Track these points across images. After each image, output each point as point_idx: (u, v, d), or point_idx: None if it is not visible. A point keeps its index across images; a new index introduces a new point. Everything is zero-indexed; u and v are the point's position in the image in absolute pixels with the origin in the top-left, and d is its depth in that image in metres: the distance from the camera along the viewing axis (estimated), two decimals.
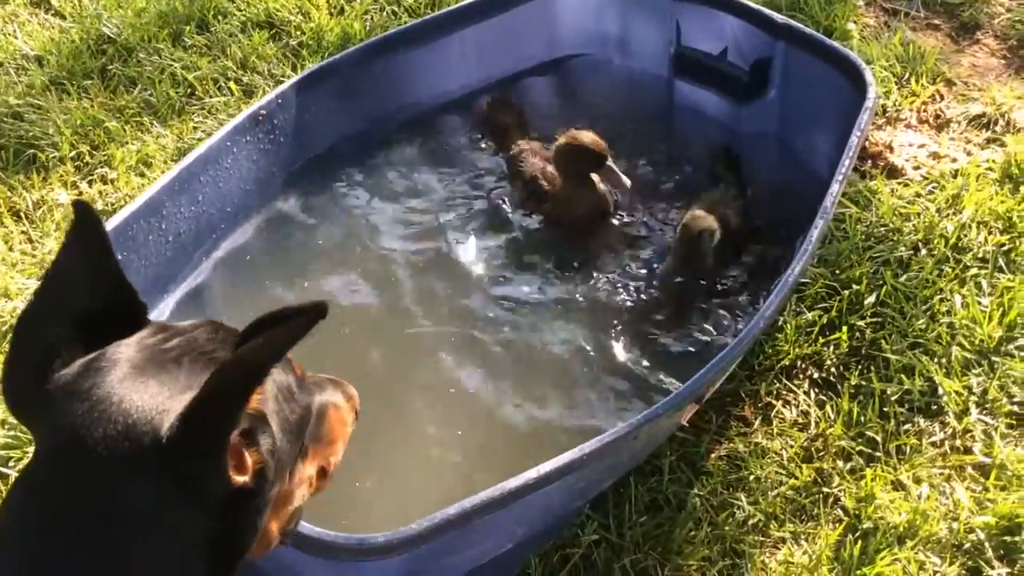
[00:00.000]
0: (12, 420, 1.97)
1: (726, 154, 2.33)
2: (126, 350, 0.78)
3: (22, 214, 2.44)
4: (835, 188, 1.84)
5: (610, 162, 2.18)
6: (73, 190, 2.49)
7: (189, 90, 2.72)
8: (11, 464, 1.92)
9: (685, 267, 2.12)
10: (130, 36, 2.88)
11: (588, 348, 2.00)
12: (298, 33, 2.89)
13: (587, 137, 2.20)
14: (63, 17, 3.00)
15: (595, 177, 2.22)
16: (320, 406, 0.91)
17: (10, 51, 2.89)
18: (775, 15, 2.25)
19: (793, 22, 2.28)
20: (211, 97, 2.70)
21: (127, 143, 2.57)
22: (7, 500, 0.74)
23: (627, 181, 2.18)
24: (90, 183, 2.50)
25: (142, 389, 0.74)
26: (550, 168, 2.28)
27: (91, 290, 0.81)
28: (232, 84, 2.72)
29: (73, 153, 2.56)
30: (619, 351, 2.01)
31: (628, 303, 2.10)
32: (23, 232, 2.40)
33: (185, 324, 0.84)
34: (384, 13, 2.96)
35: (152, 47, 2.84)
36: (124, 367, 0.76)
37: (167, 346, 0.80)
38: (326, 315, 0.74)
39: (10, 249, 2.36)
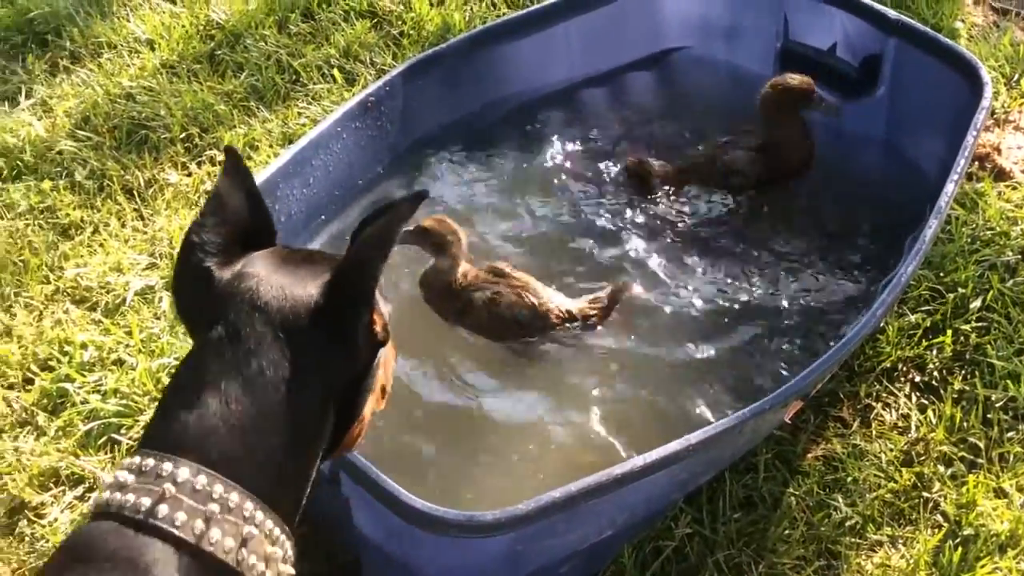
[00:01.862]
0: (124, 389, 2.05)
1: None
2: (270, 254, 1.01)
3: (134, 192, 2.52)
4: (950, 188, 1.81)
5: (817, 91, 2.23)
6: (183, 171, 2.57)
7: (294, 76, 2.79)
8: (123, 431, 1.99)
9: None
10: (237, 23, 2.95)
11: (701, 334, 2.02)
12: (399, 23, 2.93)
13: (793, 79, 2.24)
14: (174, 2, 3.09)
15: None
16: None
17: (123, 34, 2.99)
18: (888, 11, 2.22)
19: (906, 18, 2.24)
20: (315, 84, 2.75)
21: (235, 126, 2.64)
22: (181, 368, 0.96)
23: (835, 103, 2.26)
24: (199, 164, 2.58)
25: (294, 272, 0.98)
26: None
27: (241, 211, 1.02)
28: (335, 71, 2.77)
29: (183, 135, 2.64)
30: (727, 340, 2.02)
31: (742, 294, 2.12)
32: (135, 209, 2.48)
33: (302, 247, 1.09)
34: (483, 4, 2.99)
35: (259, 34, 2.91)
36: (274, 261, 0.99)
37: (298, 254, 1.03)
38: (427, 196, 0.99)
39: (122, 225, 2.45)
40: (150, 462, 0.87)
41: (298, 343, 0.93)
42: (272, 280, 0.96)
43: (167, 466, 0.86)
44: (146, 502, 0.84)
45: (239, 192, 1.03)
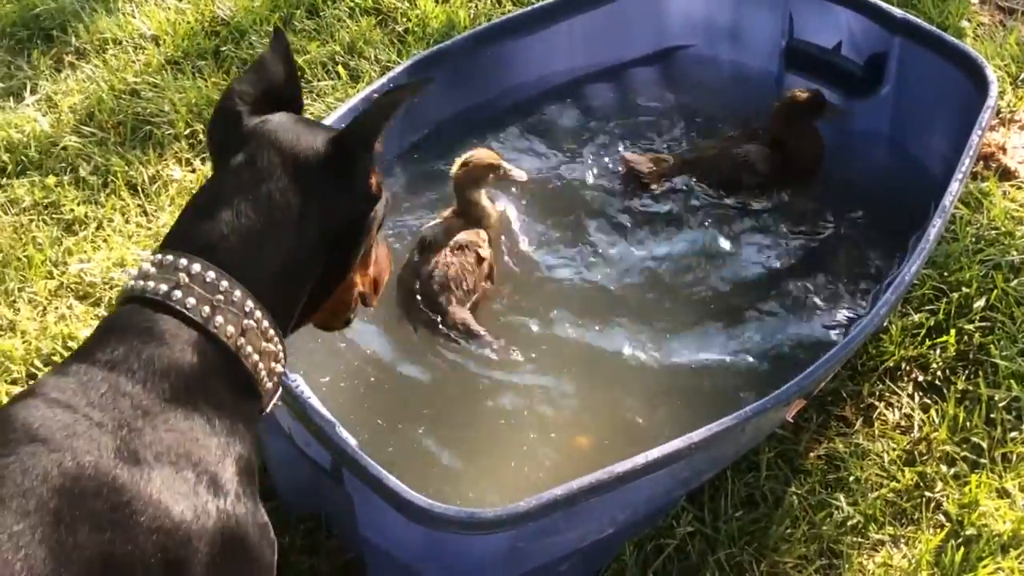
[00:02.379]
0: None
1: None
2: (294, 114, 1.19)
3: (138, 188, 2.53)
4: (954, 187, 1.81)
5: (828, 102, 2.28)
6: (187, 167, 2.58)
7: (299, 73, 2.78)
8: None
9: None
10: (242, 19, 2.95)
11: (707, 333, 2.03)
12: (404, 20, 2.93)
13: (802, 95, 2.28)
14: None
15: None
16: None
17: (129, 30, 2.99)
18: (894, 9, 2.22)
19: (912, 17, 2.24)
20: (319, 81, 2.75)
21: None
22: (202, 186, 1.15)
23: (842, 107, 2.32)
24: (203, 160, 2.58)
25: (310, 127, 1.17)
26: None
27: (278, 79, 1.20)
28: (340, 68, 2.77)
29: (187, 131, 2.64)
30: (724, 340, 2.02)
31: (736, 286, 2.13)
32: (139, 205, 2.49)
33: None
34: (488, 1, 2.99)
35: (264, 30, 2.91)
36: (297, 119, 1.18)
37: (317, 121, 1.24)
38: (431, 82, 1.36)
39: (126, 221, 2.45)
40: (169, 258, 1.04)
41: (304, 177, 1.10)
42: (291, 128, 1.14)
43: (183, 261, 1.03)
44: (164, 287, 1.02)
45: (280, 64, 1.21)
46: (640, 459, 1.44)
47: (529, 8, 2.44)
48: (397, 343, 2.00)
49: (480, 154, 2.17)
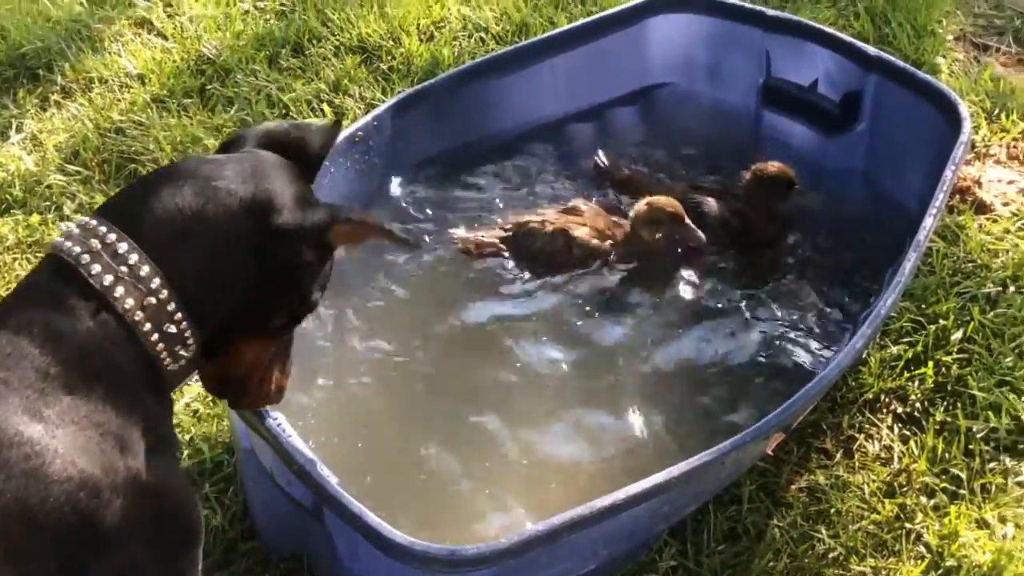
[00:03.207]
0: None
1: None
2: (296, 165, 1.22)
3: None
4: (928, 222, 1.84)
5: (796, 186, 2.27)
6: None
7: (284, 111, 2.81)
8: None
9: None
10: (228, 58, 2.98)
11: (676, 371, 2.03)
12: (388, 58, 2.96)
13: (772, 167, 2.27)
14: (165, 38, 3.12)
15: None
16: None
17: (114, 69, 3.01)
18: (868, 48, 2.26)
19: (886, 55, 2.28)
20: (305, 118, 2.78)
21: None
22: (158, 169, 1.20)
23: (816, 197, 2.30)
24: None
25: (297, 177, 1.19)
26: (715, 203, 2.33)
27: (311, 141, 1.27)
28: (325, 106, 2.80)
29: None
30: (704, 377, 2.03)
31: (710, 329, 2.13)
32: None
33: None
34: (472, 40, 3.03)
35: (249, 68, 2.94)
36: (293, 165, 1.21)
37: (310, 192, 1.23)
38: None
39: None
40: (93, 223, 1.07)
41: (257, 205, 1.11)
42: (280, 164, 1.17)
43: (102, 229, 1.06)
44: (76, 250, 1.05)
45: (319, 136, 1.27)
46: (620, 494, 1.44)
47: (512, 47, 2.47)
48: (379, 381, 2.01)
49: (664, 200, 2.19)
